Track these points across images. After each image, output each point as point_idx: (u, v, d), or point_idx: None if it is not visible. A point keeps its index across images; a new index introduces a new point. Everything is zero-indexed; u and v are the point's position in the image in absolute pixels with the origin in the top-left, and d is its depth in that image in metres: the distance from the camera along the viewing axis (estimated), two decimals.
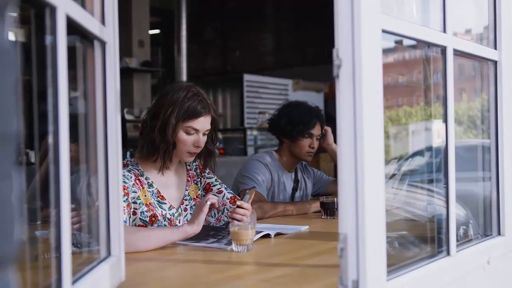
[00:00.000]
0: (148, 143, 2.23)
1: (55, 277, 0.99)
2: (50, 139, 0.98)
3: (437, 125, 1.79)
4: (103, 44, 1.33)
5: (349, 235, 1.17)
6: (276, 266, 1.72)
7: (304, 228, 2.38)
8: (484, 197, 1.91)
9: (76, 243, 1.32)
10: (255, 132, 7.64)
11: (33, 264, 1.20)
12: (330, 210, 2.67)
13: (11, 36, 0.63)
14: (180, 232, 1.98)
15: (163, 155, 2.21)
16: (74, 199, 1.16)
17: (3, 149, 0.57)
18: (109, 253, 1.36)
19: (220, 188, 2.42)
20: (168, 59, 10.03)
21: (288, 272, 1.64)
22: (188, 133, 2.21)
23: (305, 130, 3.01)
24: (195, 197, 2.40)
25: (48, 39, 0.98)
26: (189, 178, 2.40)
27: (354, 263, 1.16)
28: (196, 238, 2.04)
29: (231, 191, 2.44)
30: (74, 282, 1.07)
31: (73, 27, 1.09)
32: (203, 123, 2.23)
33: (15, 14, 0.67)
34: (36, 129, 1.07)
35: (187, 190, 2.38)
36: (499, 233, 1.81)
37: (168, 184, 2.32)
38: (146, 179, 2.26)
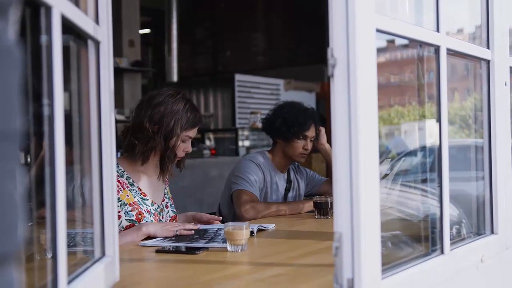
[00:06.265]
0: (149, 148, 2.27)
1: (50, 277, 0.99)
2: (45, 140, 0.97)
3: (429, 124, 1.80)
4: (97, 43, 1.32)
5: (344, 234, 1.17)
6: (271, 265, 1.72)
7: (271, 226, 2.39)
8: (477, 196, 1.92)
9: (69, 243, 1.31)
10: (246, 132, 7.62)
11: (27, 265, 1.19)
12: (323, 210, 2.67)
13: (15, 35, 0.63)
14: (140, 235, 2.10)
15: (169, 163, 2.31)
16: (67, 200, 1.15)
17: (7, 147, 0.57)
18: (103, 254, 1.36)
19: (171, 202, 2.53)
20: (158, 59, 10.01)
21: (282, 272, 1.64)
22: (183, 141, 2.31)
23: (300, 132, 2.99)
24: (171, 197, 2.50)
25: (43, 38, 0.97)
26: (166, 179, 2.49)
27: (349, 262, 1.16)
28: (189, 240, 2.04)
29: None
30: (69, 282, 1.07)
31: (67, 26, 1.08)
32: (196, 131, 2.36)
33: (18, 14, 0.67)
34: (28, 129, 1.06)
35: (166, 189, 2.48)
36: (492, 232, 1.82)
37: (150, 183, 2.38)
38: (126, 179, 2.30)
